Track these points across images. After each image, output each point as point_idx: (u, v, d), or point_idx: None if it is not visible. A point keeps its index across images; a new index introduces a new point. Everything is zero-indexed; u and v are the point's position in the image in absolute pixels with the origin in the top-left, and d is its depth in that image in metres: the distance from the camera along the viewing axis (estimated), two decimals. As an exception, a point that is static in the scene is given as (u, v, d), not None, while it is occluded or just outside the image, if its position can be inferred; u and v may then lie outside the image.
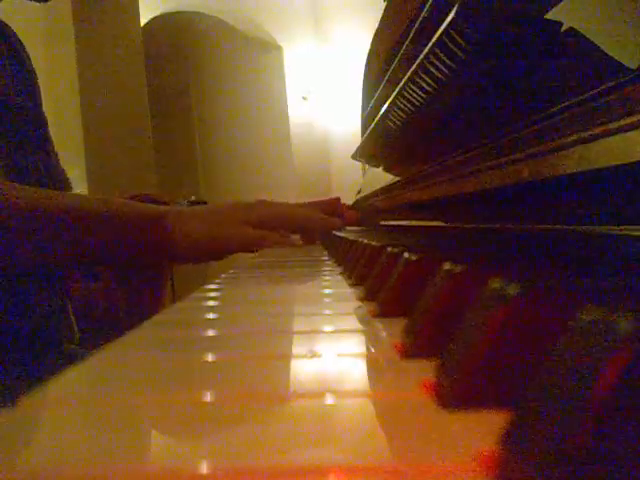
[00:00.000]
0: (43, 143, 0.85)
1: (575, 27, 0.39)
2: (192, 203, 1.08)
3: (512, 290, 0.18)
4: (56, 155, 0.94)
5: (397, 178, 1.05)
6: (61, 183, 0.93)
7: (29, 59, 0.90)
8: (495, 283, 0.19)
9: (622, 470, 0.11)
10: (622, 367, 0.11)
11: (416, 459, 0.16)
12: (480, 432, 0.16)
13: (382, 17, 1.21)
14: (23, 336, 0.73)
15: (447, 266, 0.26)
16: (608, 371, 0.11)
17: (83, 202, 0.69)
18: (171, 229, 0.71)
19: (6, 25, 0.88)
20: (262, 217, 0.79)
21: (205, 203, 1.13)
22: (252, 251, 0.79)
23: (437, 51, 0.57)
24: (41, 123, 0.87)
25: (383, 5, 1.21)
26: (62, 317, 0.81)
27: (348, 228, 1.18)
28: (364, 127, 1.45)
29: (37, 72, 0.90)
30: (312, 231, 0.92)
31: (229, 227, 0.75)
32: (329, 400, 0.21)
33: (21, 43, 0.89)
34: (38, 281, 0.77)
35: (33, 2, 0.89)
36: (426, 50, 0.59)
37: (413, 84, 0.69)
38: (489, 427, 0.15)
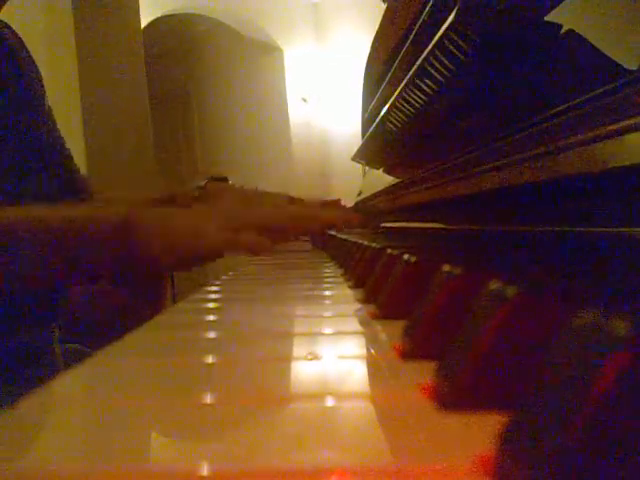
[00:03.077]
0: (40, 149, 0.83)
1: (575, 29, 0.39)
2: (213, 179, 1.02)
3: (510, 292, 0.18)
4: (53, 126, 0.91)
5: (397, 180, 1.05)
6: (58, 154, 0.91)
7: (29, 57, 0.89)
8: (493, 285, 0.19)
9: (618, 471, 0.11)
10: (618, 369, 0.11)
11: (415, 460, 0.16)
12: (478, 434, 0.16)
13: (382, 19, 1.21)
14: (18, 340, 0.72)
15: (446, 268, 0.26)
16: (604, 373, 0.11)
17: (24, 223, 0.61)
18: (133, 237, 0.63)
19: (6, 25, 0.88)
20: (241, 221, 0.72)
21: (226, 179, 1.06)
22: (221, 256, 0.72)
23: (437, 53, 0.57)
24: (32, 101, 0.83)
25: (383, 7, 1.21)
26: (52, 318, 0.80)
27: (348, 230, 1.18)
28: (364, 129, 1.45)
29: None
30: (310, 232, 0.87)
31: (211, 230, 0.67)
32: (329, 402, 0.21)
33: (21, 42, 0.88)
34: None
35: None
36: (426, 52, 0.59)
37: (413, 86, 0.69)
38: (487, 429, 0.16)
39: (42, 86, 0.89)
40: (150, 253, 0.63)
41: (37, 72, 0.89)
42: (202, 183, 0.97)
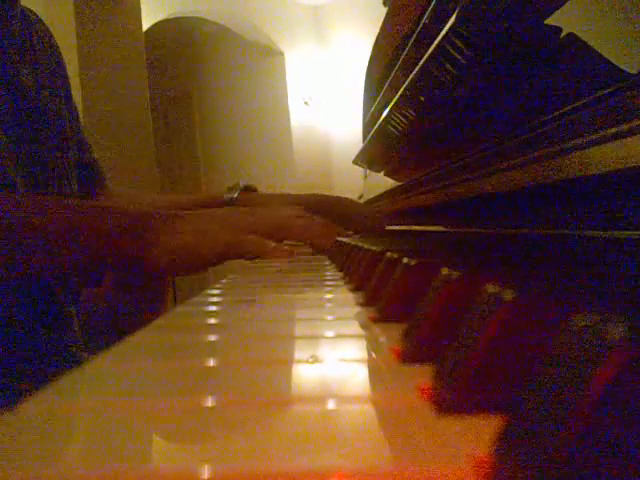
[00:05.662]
0: (60, 138, 0.84)
1: (575, 32, 0.39)
2: (245, 189, 1.03)
3: (507, 295, 0.18)
4: (83, 148, 0.94)
5: (398, 183, 1.05)
6: (88, 175, 0.93)
7: (60, 54, 0.91)
8: (490, 288, 0.19)
9: (616, 473, 0.11)
10: (614, 371, 0.11)
11: (413, 463, 0.16)
12: (476, 436, 0.17)
13: (383, 22, 1.22)
14: (28, 340, 0.73)
15: (445, 272, 0.26)
16: (600, 376, 0.11)
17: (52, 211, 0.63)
18: (146, 238, 0.64)
19: (41, 20, 0.89)
20: (257, 226, 0.73)
21: (256, 189, 1.07)
22: (248, 258, 0.73)
23: (438, 56, 0.57)
24: (60, 119, 0.85)
25: (384, 10, 1.21)
26: (69, 321, 0.81)
27: (348, 232, 1.18)
28: (365, 132, 1.46)
29: None
30: (314, 242, 0.85)
31: (215, 234, 0.68)
32: (329, 405, 0.21)
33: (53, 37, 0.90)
34: (47, 286, 0.77)
35: None
36: (427, 55, 0.59)
37: (414, 89, 0.70)
38: (485, 431, 0.16)
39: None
40: (151, 253, 0.64)
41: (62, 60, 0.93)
42: (235, 194, 0.99)
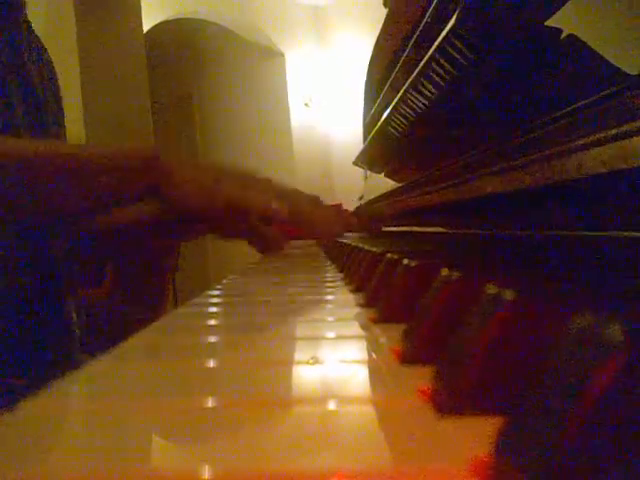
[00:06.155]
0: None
1: (575, 34, 0.39)
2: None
3: (507, 296, 0.18)
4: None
5: (398, 184, 1.05)
6: None
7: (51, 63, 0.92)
8: (490, 289, 0.19)
9: (614, 475, 0.11)
10: (614, 373, 0.11)
11: (413, 463, 0.16)
12: (475, 437, 0.17)
13: (384, 23, 1.22)
14: (28, 339, 0.73)
15: (445, 272, 0.26)
16: (600, 377, 0.11)
17: (60, 147, 0.62)
18: (168, 170, 0.62)
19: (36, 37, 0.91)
20: (265, 188, 0.69)
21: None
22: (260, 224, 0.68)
23: (438, 57, 0.57)
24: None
25: (385, 11, 1.21)
26: (67, 321, 0.81)
27: (349, 234, 1.18)
28: (366, 133, 1.46)
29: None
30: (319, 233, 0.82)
31: (231, 183, 0.65)
32: (329, 405, 0.22)
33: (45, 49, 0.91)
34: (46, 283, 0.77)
35: None
36: (427, 56, 0.59)
37: (414, 90, 0.70)
38: (484, 432, 0.16)
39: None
40: (172, 190, 0.62)
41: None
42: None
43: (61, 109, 0.92)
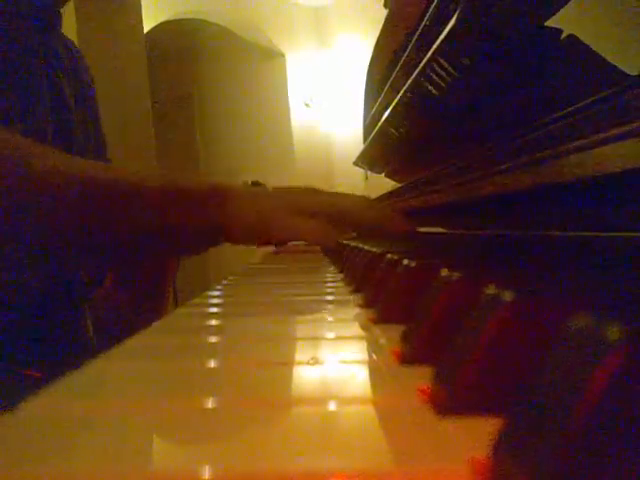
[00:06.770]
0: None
1: (575, 34, 0.39)
2: (253, 184, 1.02)
3: (506, 297, 0.18)
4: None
5: (399, 184, 1.05)
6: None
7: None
8: (490, 290, 0.19)
9: (614, 475, 0.11)
10: (612, 373, 0.11)
11: (412, 464, 0.16)
12: (475, 438, 0.17)
13: (384, 24, 1.22)
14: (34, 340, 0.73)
15: (445, 273, 0.26)
16: (598, 377, 0.11)
17: (126, 175, 0.62)
18: (224, 205, 0.63)
19: (75, 45, 0.94)
20: (315, 207, 0.69)
21: (263, 185, 1.05)
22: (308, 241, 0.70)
23: (438, 58, 0.57)
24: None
25: (385, 12, 1.21)
26: (80, 324, 0.82)
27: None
28: (366, 133, 1.46)
29: None
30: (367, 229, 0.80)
31: (282, 214, 0.65)
32: (329, 406, 0.22)
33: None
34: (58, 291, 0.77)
35: None
36: (427, 57, 0.59)
37: (415, 91, 0.70)
38: (483, 433, 0.16)
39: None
40: (238, 224, 0.63)
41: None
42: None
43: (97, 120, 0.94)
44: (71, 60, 0.89)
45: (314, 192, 0.73)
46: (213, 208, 0.62)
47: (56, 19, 0.85)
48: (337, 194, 0.76)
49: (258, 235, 0.66)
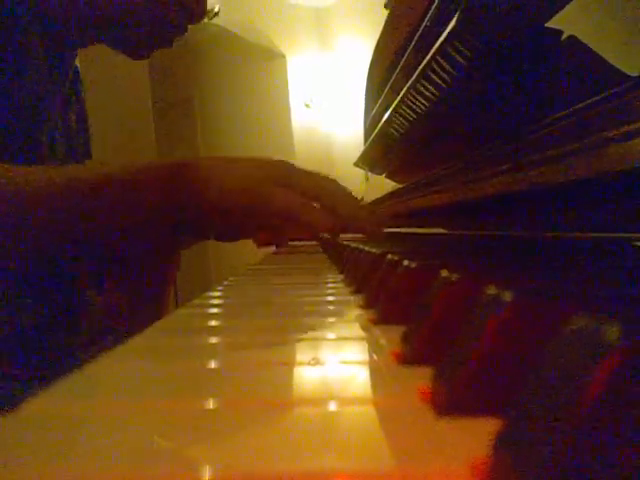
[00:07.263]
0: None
1: (576, 35, 0.39)
2: None
3: (506, 298, 0.18)
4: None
5: (399, 185, 1.05)
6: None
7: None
8: (489, 291, 0.20)
9: (614, 475, 0.11)
10: (611, 374, 0.11)
11: (412, 464, 0.16)
12: (474, 438, 0.17)
13: (384, 25, 1.22)
14: (30, 340, 0.73)
15: (445, 274, 0.26)
16: (597, 378, 0.11)
17: (79, 173, 0.57)
18: (195, 180, 0.57)
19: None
20: (305, 189, 0.63)
21: None
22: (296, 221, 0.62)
23: (439, 59, 0.57)
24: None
25: (386, 13, 1.21)
26: (74, 323, 0.82)
27: (350, 235, 1.18)
28: (366, 134, 1.46)
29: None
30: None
31: (266, 184, 0.58)
32: (330, 406, 0.22)
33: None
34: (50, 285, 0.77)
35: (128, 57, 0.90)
36: (428, 58, 0.59)
37: (415, 92, 0.70)
38: (483, 433, 0.16)
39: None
40: (207, 197, 0.57)
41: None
42: None
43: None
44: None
45: (293, 167, 0.67)
46: (179, 185, 0.57)
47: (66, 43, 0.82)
48: (317, 175, 0.70)
49: (244, 211, 0.58)
